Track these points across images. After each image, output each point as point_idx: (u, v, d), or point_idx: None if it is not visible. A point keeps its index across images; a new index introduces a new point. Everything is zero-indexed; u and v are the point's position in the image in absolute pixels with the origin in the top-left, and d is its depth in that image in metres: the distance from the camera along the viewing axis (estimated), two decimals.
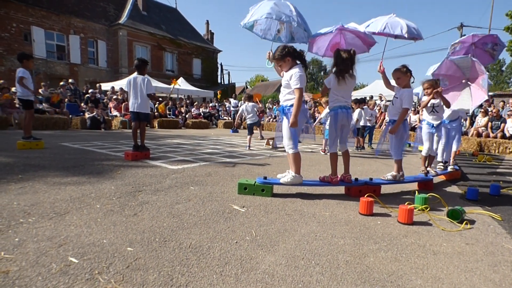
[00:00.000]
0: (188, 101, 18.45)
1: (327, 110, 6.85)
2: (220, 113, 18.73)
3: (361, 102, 8.16)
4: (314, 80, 60.29)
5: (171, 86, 6.41)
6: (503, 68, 53.51)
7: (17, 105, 9.39)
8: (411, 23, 3.68)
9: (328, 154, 3.50)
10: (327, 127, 6.69)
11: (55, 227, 2.07)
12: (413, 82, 3.67)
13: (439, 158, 4.64)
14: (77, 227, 2.09)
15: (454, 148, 4.72)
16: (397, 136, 3.55)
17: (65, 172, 3.74)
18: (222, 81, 33.35)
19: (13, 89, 9.78)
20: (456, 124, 4.60)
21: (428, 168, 4.19)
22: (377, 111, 12.03)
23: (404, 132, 3.57)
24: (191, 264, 1.68)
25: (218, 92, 21.23)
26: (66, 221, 2.18)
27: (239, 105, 17.08)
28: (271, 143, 7.71)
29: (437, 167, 4.52)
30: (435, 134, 4.41)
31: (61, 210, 2.41)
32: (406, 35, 3.57)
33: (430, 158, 4.32)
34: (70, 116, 11.04)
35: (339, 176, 3.37)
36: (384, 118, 11.53)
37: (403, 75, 3.49)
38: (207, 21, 33.56)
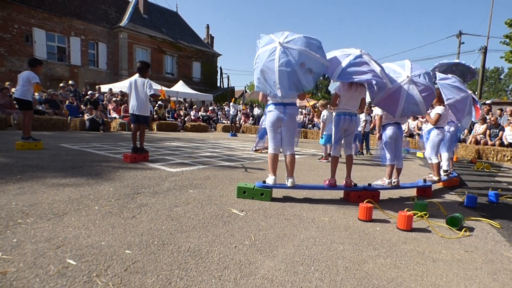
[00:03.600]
0: (187, 104, 18.48)
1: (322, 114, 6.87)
2: (219, 116, 18.76)
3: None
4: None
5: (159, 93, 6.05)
6: (501, 77, 53.83)
7: (16, 106, 9.37)
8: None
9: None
10: (325, 132, 6.72)
11: (53, 228, 2.06)
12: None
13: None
14: (75, 229, 2.07)
15: (445, 155, 4.73)
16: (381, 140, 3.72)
17: (63, 173, 3.73)
18: (222, 84, 33.42)
19: (12, 90, 9.77)
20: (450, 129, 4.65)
21: (429, 174, 4.24)
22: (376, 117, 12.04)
23: (384, 137, 3.71)
24: (189, 268, 1.67)
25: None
26: (65, 223, 2.17)
27: (238, 109, 17.17)
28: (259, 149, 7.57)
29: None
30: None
31: (59, 211, 2.40)
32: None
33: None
34: (69, 117, 11.02)
35: (336, 180, 3.41)
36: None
37: None
38: (207, 25, 33.77)
